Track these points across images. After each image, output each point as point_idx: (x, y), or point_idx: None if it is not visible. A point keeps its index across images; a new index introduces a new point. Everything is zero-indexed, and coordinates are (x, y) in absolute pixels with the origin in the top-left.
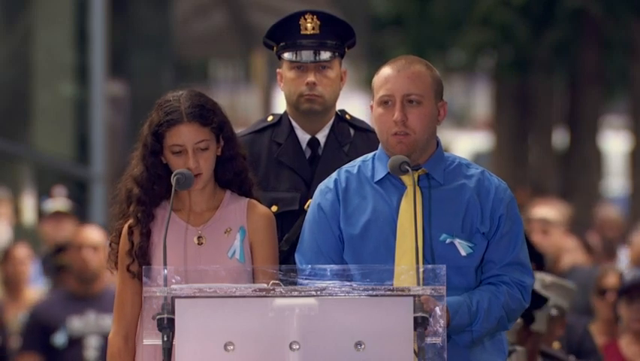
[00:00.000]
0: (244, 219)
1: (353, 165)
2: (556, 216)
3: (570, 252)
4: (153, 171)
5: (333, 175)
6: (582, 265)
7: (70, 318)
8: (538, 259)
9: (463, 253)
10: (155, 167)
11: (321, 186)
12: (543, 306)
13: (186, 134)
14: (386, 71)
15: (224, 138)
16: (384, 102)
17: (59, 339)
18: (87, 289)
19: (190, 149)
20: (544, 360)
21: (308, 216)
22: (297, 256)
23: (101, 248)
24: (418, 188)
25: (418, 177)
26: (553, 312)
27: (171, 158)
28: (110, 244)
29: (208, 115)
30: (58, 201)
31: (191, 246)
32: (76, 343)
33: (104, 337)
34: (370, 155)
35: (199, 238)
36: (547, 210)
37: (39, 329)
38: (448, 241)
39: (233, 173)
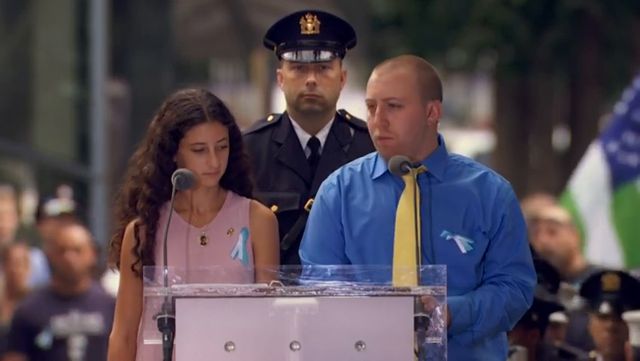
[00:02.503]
0: (246, 220)
1: (356, 164)
2: (564, 217)
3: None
4: (166, 170)
5: (337, 172)
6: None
7: (54, 318)
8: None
9: (464, 251)
10: (169, 166)
11: (325, 182)
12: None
13: (209, 133)
14: (372, 75)
15: (233, 138)
16: (370, 106)
17: (44, 340)
18: (71, 289)
19: (212, 147)
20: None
21: (311, 212)
22: (300, 252)
23: (84, 249)
24: (417, 185)
25: (418, 174)
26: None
27: (191, 156)
28: (112, 244)
29: (227, 114)
30: (63, 202)
31: (194, 246)
32: (60, 343)
33: (89, 337)
34: (374, 153)
35: (202, 238)
36: (556, 211)
37: (24, 329)
38: (448, 237)
39: (238, 173)
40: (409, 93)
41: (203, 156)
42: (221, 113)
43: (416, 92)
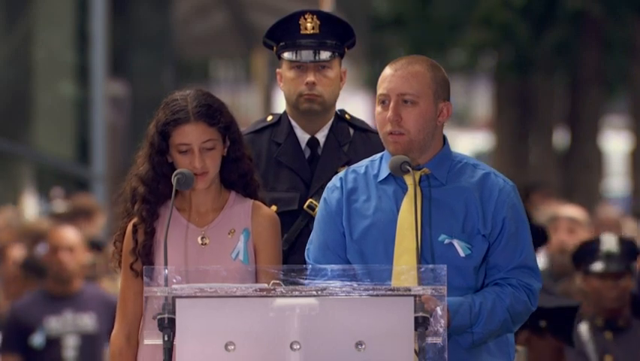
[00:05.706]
0: (248, 220)
1: (360, 166)
2: (583, 217)
3: None
4: (159, 169)
5: (340, 174)
6: None
7: (48, 318)
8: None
9: (462, 254)
10: (161, 166)
11: (329, 184)
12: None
13: (193, 134)
14: (386, 70)
15: (230, 138)
16: (382, 101)
17: (37, 340)
18: (64, 289)
19: (196, 148)
20: None
21: (317, 214)
22: (306, 253)
23: (77, 249)
24: (419, 188)
25: (420, 176)
26: None
27: (177, 157)
28: (114, 243)
29: (215, 115)
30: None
31: (194, 246)
32: (54, 343)
33: (82, 336)
34: (379, 155)
35: (203, 238)
36: (575, 210)
37: (17, 329)
38: (446, 241)
39: (239, 174)
40: (424, 90)
41: (188, 156)
42: (208, 115)
43: (430, 90)
